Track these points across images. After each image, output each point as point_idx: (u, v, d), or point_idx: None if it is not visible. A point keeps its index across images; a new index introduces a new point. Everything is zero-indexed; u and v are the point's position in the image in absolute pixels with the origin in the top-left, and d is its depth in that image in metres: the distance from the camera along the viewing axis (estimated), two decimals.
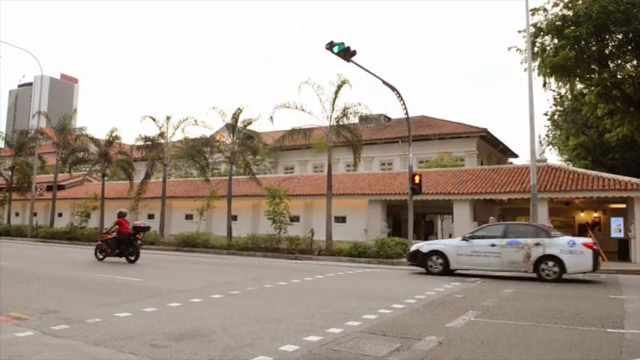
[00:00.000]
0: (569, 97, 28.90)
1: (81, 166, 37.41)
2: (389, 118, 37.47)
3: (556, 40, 22.10)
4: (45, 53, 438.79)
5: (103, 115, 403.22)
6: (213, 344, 5.04)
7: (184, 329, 5.71)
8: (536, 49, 22.64)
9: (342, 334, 5.52)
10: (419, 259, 13.17)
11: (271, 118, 20.80)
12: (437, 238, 23.90)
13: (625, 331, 5.98)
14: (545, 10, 22.72)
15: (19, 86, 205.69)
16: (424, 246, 13.39)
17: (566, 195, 18.96)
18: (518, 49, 23.24)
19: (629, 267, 15.40)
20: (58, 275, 11.16)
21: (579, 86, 25.41)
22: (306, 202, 24.87)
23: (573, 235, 14.17)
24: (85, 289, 8.96)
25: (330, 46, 15.41)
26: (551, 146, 38.35)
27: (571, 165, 31.30)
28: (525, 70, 20.22)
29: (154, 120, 26.57)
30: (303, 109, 20.35)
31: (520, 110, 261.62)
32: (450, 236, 21.45)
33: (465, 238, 12.78)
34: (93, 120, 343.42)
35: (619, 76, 22.26)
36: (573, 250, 11.48)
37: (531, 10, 21.91)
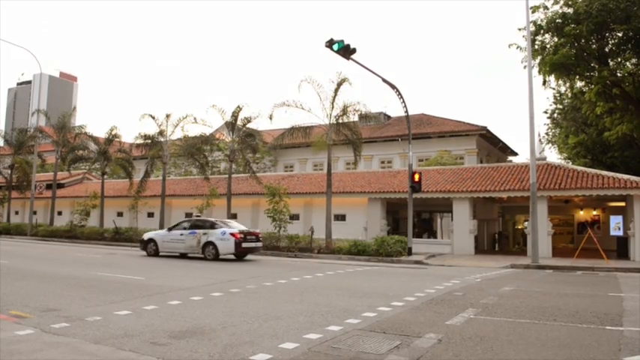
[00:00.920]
0: (569, 95, 28.87)
1: (80, 165, 37.36)
2: (389, 117, 37.45)
3: (556, 38, 22.09)
4: (44, 51, 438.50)
5: (103, 114, 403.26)
6: (214, 342, 5.05)
7: (184, 327, 5.72)
8: (536, 46, 22.63)
9: (341, 332, 5.53)
10: (143, 245, 17.66)
11: (271, 116, 20.80)
12: (435, 237, 23.95)
13: (624, 329, 6.00)
14: (545, 7, 22.70)
15: (18, 84, 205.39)
16: (146, 235, 17.91)
17: (565, 193, 18.97)
18: (518, 47, 23.24)
19: (628, 265, 15.42)
20: (58, 273, 11.17)
21: (579, 84, 25.39)
22: (305, 200, 24.89)
23: (573, 233, 14.53)
24: (85, 287, 8.98)
25: (330, 43, 15.39)
26: (550, 144, 38.38)
27: (571, 163, 31.32)
28: (525, 67, 20.24)
29: (154, 118, 26.57)
30: (302, 108, 20.33)
31: (520, 108, 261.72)
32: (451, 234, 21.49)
33: (168, 229, 17.41)
34: (92, 118, 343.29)
35: (619, 74, 22.24)
36: (224, 238, 15.72)
37: (531, 7, 21.89)
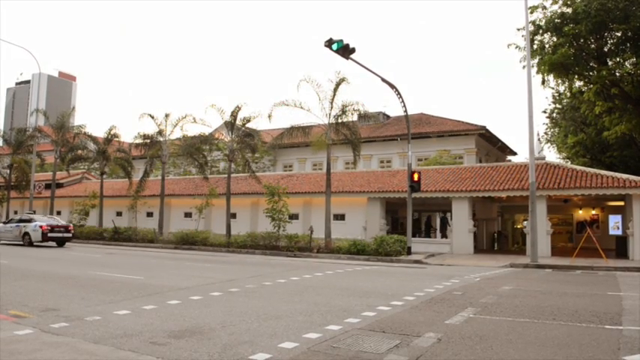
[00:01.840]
0: (568, 94, 28.88)
1: (79, 164, 37.31)
2: (388, 116, 37.46)
3: (555, 38, 22.09)
4: (43, 51, 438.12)
5: (102, 113, 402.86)
6: (213, 341, 5.04)
7: (184, 327, 5.72)
8: (535, 46, 22.64)
9: (341, 331, 5.53)
10: None
11: (270, 116, 20.80)
12: (435, 236, 23.97)
13: (623, 328, 6.00)
14: (544, 7, 22.70)
15: (17, 84, 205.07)
16: None
17: (564, 192, 18.99)
18: (517, 47, 23.25)
19: (627, 264, 15.44)
20: (57, 273, 11.16)
21: (578, 84, 25.41)
22: (305, 200, 24.89)
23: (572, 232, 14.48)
24: (85, 287, 8.97)
25: (329, 43, 15.38)
26: (549, 144, 38.40)
27: (569, 163, 31.35)
28: (524, 67, 20.25)
29: (153, 118, 26.54)
30: (302, 107, 20.33)
31: (519, 107, 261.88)
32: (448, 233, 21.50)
33: (4, 223, 23.77)
34: (91, 118, 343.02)
35: (618, 74, 22.26)
36: (35, 230, 21.14)
37: (530, 7, 21.88)
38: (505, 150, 36.48)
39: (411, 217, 18.71)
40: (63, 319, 5.99)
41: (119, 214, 31.58)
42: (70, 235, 22.42)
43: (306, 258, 18.06)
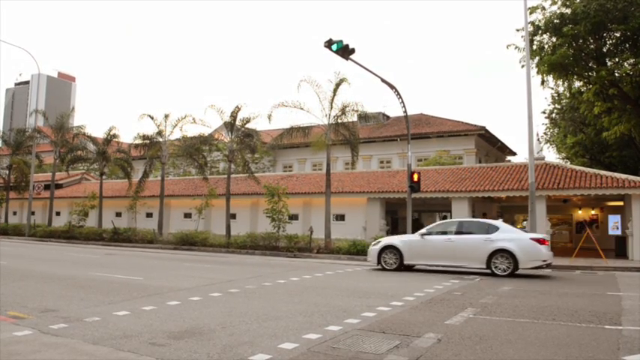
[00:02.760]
0: (567, 95, 28.91)
1: (79, 165, 37.29)
2: (387, 117, 37.48)
3: (554, 38, 22.10)
4: (42, 51, 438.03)
5: (101, 114, 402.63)
6: (213, 342, 5.04)
7: (183, 327, 5.71)
8: (534, 47, 22.64)
9: (341, 332, 5.53)
10: None
11: (269, 116, 20.80)
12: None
13: (622, 328, 6.00)
14: (543, 8, 22.70)
15: (16, 84, 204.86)
16: None
17: (564, 193, 19.00)
18: (516, 47, 23.24)
19: (627, 264, 15.46)
20: (57, 274, 11.15)
21: (577, 84, 25.43)
22: (304, 201, 24.88)
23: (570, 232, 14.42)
24: (84, 287, 8.96)
25: (329, 43, 15.38)
26: (549, 144, 38.43)
27: (569, 163, 31.36)
28: (524, 67, 20.25)
29: (152, 118, 26.53)
30: (301, 108, 20.32)
31: (518, 108, 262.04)
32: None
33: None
34: (91, 118, 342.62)
35: (617, 74, 22.26)
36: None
37: (529, 8, 21.90)
38: (505, 150, 36.51)
39: (410, 218, 18.71)
40: (62, 320, 5.98)
41: (119, 214, 31.56)
42: None
43: (305, 258, 18.05)
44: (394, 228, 24.45)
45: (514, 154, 38.01)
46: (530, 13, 22.27)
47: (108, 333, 5.38)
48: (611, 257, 17.76)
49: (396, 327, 5.85)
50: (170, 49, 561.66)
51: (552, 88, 30.36)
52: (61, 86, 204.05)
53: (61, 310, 6.70)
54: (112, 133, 29.33)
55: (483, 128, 30.42)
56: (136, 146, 27.71)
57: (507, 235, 12.08)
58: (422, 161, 30.28)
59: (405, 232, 18.91)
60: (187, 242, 22.94)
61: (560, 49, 21.30)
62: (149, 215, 29.78)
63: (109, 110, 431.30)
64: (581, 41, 21.85)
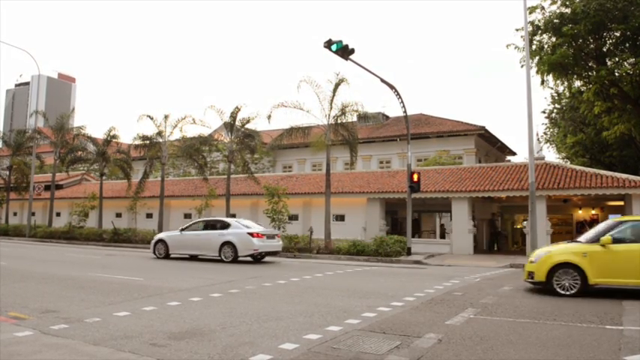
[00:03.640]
0: (567, 94, 28.90)
1: (79, 166, 37.29)
2: (387, 117, 37.46)
3: (554, 38, 22.08)
4: (42, 52, 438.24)
5: (101, 114, 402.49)
6: (213, 343, 5.04)
7: (184, 328, 5.71)
8: (534, 47, 22.63)
9: (341, 332, 5.53)
10: None
11: (269, 117, 20.78)
12: (435, 236, 23.94)
13: (623, 328, 6.00)
14: (542, 8, 22.69)
15: (17, 85, 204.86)
16: None
17: (564, 192, 19.00)
18: (516, 47, 23.22)
19: None
20: (57, 275, 11.14)
21: (577, 84, 25.40)
22: (304, 201, 24.88)
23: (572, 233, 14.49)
24: (84, 288, 8.95)
25: (329, 44, 15.39)
26: (549, 144, 38.40)
27: (569, 163, 31.36)
28: (523, 67, 20.27)
29: (152, 119, 26.51)
30: (301, 108, 20.29)
31: (518, 108, 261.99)
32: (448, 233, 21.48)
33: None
34: (91, 119, 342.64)
35: (617, 74, 22.26)
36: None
37: (529, 8, 21.88)
38: (504, 150, 36.50)
39: (410, 218, 18.71)
40: (63, 321, 5.98)
41: (119, 215, 31.56)
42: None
43: (305, 259, 18.04)
44: (394, 228, 24.44)
45: (514, 154, 38.00)
46: (530, 13, 22.26)
47: (108, 334, 5.38)
48: None
49: (396, 327, 5.85)
50: (170, 49, 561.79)
51: (552, 88, 30.35)
52: (61, 87, 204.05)
53: (61, 310, 6.70)
54: (111, 133, 29.31)
55: (483, 128, 30.41)
56: (136, 147, 27.69)
57: (233, 231, 15.19)
58: (422, 161, 30.27)
59: (404, 233, 18.98)
60: None
61: (560, 49, 21.30)
62: (149, 216, 29.78)
63: (109, 111, 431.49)
64: (580, 41, 21.84)
